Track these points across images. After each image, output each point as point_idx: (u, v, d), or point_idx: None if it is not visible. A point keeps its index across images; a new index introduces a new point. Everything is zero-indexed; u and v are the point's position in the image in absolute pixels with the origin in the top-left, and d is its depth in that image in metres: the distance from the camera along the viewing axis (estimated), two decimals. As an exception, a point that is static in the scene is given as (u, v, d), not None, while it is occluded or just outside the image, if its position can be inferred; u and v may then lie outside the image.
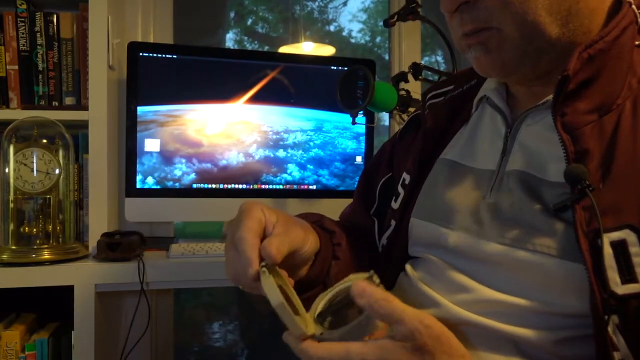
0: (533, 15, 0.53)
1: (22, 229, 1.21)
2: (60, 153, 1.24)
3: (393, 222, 0.72)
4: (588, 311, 0.49)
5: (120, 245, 1.20)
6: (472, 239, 0.58)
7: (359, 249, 0.75)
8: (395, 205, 0.73)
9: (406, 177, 0.72)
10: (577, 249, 0.49)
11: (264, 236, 0.58)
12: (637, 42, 0.57)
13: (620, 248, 0.48)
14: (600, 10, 0.57)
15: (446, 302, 0.58)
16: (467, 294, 0.57)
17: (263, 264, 0.52)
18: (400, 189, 0.73)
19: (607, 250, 0.48)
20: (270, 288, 0.49)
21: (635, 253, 0.48)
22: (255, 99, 1.39)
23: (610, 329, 0.47)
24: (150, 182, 1.33)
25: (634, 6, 0.57)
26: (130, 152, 1.32)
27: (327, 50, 2.06)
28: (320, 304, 0.54)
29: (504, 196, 0.58)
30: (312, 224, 0.70)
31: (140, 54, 1.32)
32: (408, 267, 0.67)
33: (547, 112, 0.57)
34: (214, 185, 1.38)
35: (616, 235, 0.48)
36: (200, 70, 1.36)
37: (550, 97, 0.56)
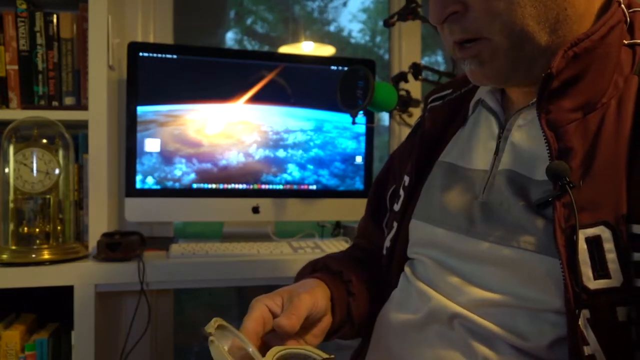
0: (521, 25, 0.53)
1: (22, 229, 1.21)
2: (60, 153, 1.23)
3: (395, 224, 0.73)
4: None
5: (120, 245, 1.20)
6: (463, 238, 0.60)
7: (372, 275, 0.76)
8: (396, 207, 0.74)
9: (406, 179, 0.73)
10: (554, 244, 0.50)
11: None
12: (625, 41, 0.57)
13: (594, 244, 0.49)
14: (589, 14, 0.56)
15: (442, 298, 0.60)
16: (461, 295, 0.58)
17: (212, 332, 0.55)
18: (401, 191, 0.74)
19: (582, 246, 0.49)
20: (218, 355, 0.52)
21: (608, 249, 0.49)
22: (255, 99, 1.39)
23: (581, 323, 0.48)
24: (150, 182, 1.33)
25: (623, 6, 0.57)
26: (130, 152, 1.32)
27: (327, 50, 2.06)
28: (275, 353, 0.57)
29: (495, 195, 0.59)
30: (317, 275, 0.70)
31: (140, 54, 1.32)
32: (407, 268, 0.69)
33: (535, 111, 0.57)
34: (214, 185, 1.38)
35: (591, 231, 0.49)
36: (200, 70, 1.36)
37: None
